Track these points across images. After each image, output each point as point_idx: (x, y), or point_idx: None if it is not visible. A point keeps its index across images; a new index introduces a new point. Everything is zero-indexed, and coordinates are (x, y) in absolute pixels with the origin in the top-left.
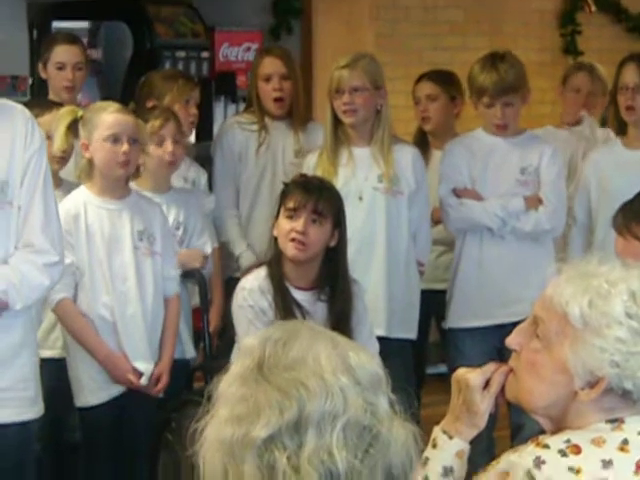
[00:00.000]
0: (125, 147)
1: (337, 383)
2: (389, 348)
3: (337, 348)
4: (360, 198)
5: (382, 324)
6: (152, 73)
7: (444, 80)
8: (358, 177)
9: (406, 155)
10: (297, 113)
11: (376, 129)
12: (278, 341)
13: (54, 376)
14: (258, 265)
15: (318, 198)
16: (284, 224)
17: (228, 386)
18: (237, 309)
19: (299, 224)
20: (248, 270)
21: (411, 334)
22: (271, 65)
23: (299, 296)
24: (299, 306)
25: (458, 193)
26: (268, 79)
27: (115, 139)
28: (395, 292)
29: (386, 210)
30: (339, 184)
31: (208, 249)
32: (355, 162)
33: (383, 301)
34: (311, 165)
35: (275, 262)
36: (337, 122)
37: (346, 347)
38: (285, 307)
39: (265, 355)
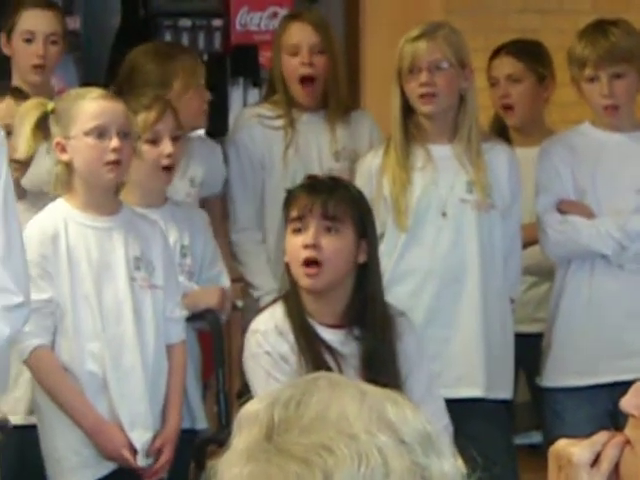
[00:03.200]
0: (115, 142)
1: (373, 442)
2: (484, 412)
3: (367, 399)
4: (444, 214)
5: (480, 382)
6: (137, 52)
7: (530, 54)
8: (440, 186)
9: (500, 157)
10: (334, 100)
11: (461, 121)
12: (289, 401)
13: (16, 450)
14: (273, 301)
15: (327, 198)
16: (291, 241)
17: (230, 467)
18: (250, 359)
19: (308, 236)
20: (262, 308)
21: (507, 393)
22: (299, 33)
23: (327, 335)
24: (329, 349)
25: (562, 208)
26: (295, 52)
27: (101, 132)
28: (492, 339)
29: (478, 231)
30: (415, 195)
31: (225, 281)
32: (435, 165)
33: (480, 351)
34: (373, 169)
35: (292, 295)
36: (406, 112)
37: (379, 397)
38: (311, 351)
39: (274, 420)
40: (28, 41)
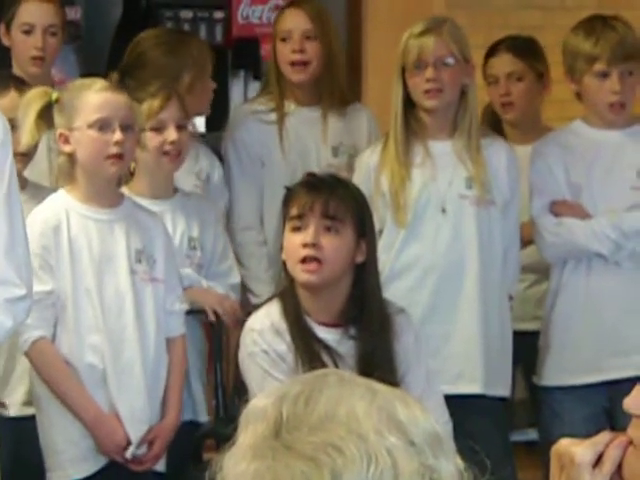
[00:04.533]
0: (118, 135)
1: (382, 443)
2: (482, 409)
3: (377, 399)
4: (443, 210)
5: (479, 378)
6: (146, 40)
7: (529, 51)
8: (439, 182)
9: (499, 153)
10: (328, 91)
11: (461, 117)
12: (298, 397)
13: (12, 441)
14: (269, 299)
15: (328, 197)
16: (290, 239)
17: (236, 463)
18: (247, 357)
19: (308, 234)
20: (258, 305)
21: (506, 390)
22: (292, 19)
23: (324, 334)
24: (326, 347)
25: (556, 210)
26: (287, 38)
27: (103, 125)
28: (491, 336)
29: (477, 226)
30: (414, 191)
31: (235, 278)
32: (434, 161)
33: (479, 348)
34: (372, 165)
35: (289, 293)
36: (407, 107)
37: (389, 397)
38: (308, 350)
39: (282, 417)
40: (27, 33)
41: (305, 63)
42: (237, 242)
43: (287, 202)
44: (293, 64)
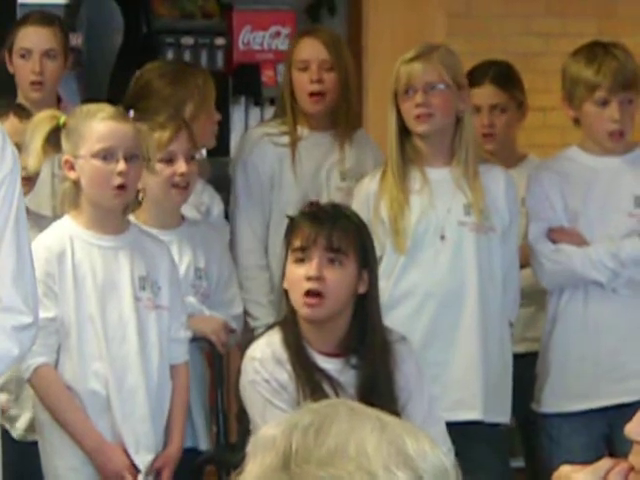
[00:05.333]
0: (121, 166)
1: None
2: (482, 435)
3: (387, 432)
4: (442, 237)
5: (478, 405)
6: (149, 69)
7: (510, 81)
8: (438, 209)
9: (497, 179)
10: (344, 119)
11: (457, 144)
12: (308, 428)
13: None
14: (271, 326)
15: (331, 229)
16: (293, 271)
17: None
18: (248, 385)
19: (311, 267)
20: (259, 334)
21: (505, 417)
22: (309, 49)
23: (325, 364)
24: (328, 377)
25: (554, 237)
26: (304, 68)
27: (107, 155)
28: (490, 362)
29: (477, 253)
30: (413, 218)
31: (238, 308)
32: (432, 188)
33: (478, 374)
34: (371, 192)
35: (290, 322)
36: (403, 134)
37: (398, 430)
38: (309, 379)
39: (292, 448)
40: (24, 57)
41: (322, 94)
42: (239, 264)
43: (290, 232)
44: (311, 94)
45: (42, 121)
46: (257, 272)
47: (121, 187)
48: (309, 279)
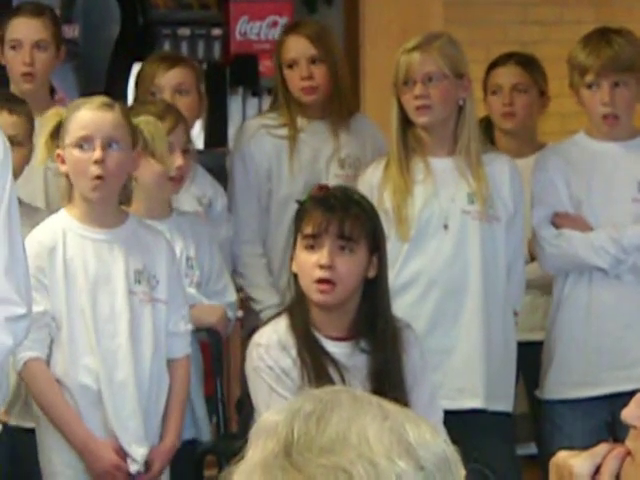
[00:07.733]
0: (97, 154)
1: (392, 469)
2: (486, 424)
3: (388, 420)
4: (445, 226)
5: (480, 393)
6: (152, 59)
7: (534, 68)
8: (441, 198)
9: (502, 168)
10: (337, 107)
11: (460, 132)
12: (310, 415)
13: (8, 452)
14: (277, 314)
15: (343, 217)
16: (303, 257)
17: (244, 479)
18: (252, 372)
19: (323, 256)
20: (266, 321)
21: (508, 405)
22: (295, 46)
23: (332, 348)
24: (333, 362)
25: (558, 222)
26: (293, 65)
27: (84, 143)
28: (493, 351)
29: (480, 242)
30: (417, 207)
31: (231, 296)
32: (435, 177)
33: (480, 363)
34: (374, 182)
35: (298, 307)
36: (405, 125)
37: (400, 418)
38: (315, 365)
39: (294, 435)
40: (14, 49)
41: (313, 89)
42: (235, 254)
43: (300, 217)
44: (303, 89)
45: (49, 119)
46: (255, 260)
47: (99, 177)
48: (321, 267)
